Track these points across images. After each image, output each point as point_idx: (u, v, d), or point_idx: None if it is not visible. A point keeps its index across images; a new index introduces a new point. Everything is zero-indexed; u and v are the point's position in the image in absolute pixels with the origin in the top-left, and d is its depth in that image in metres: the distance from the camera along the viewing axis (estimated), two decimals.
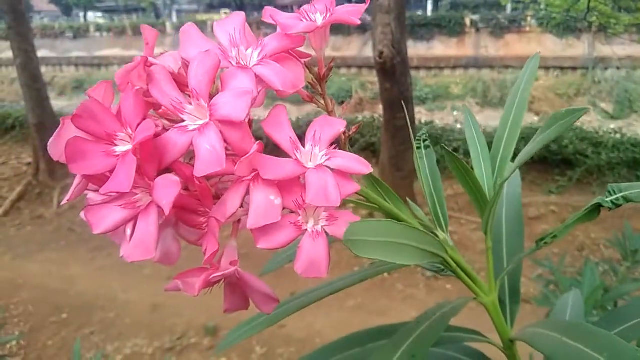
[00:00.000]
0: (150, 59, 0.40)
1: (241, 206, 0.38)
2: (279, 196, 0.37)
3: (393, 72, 3.80)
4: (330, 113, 0.47)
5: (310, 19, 0.44)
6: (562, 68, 10.04)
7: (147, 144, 0.35)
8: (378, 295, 3.37)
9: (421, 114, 8.87)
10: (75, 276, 3.87)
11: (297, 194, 0.38)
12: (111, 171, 0.35)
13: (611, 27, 5.34)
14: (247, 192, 0.38)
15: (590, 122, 7.32)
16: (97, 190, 0.38)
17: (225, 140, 0.36)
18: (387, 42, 3.68)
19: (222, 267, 0.39)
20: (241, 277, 0.39)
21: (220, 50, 0.40)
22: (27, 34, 5.62)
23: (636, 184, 0.49)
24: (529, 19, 11.01)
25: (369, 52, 8.90)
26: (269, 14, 0.44)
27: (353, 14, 0.44)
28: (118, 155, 0.35)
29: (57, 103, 7.37)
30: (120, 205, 0.36)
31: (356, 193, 0.43)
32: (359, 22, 0.43)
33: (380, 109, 4.88)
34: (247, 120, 0.36)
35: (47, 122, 5.52)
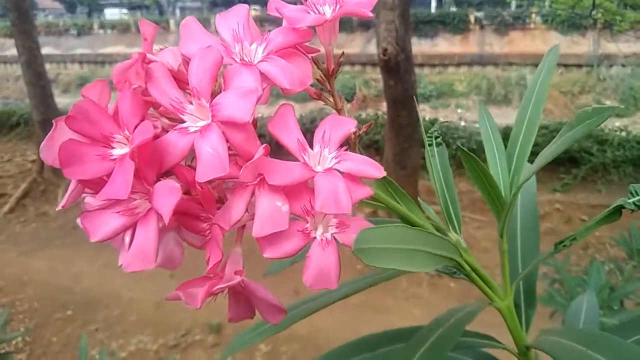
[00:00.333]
0: (148, 55, 0.38)
1: (246, 211, 0.36)
2: (286, 202, 0.34)
3: (397, 70, 3.76)
4: (339, 111, 0.44)
5: (319, 11, 0.41)
6: (566, 65, 9.93)
7: (146, 147, 0.32)
8: (381, 293, 3.35)
9: (425, 112, 8.83)
10: (80, 273, 3.87)
11: (305, 200, 0.35)
12: (108, 175, 0.33)
13: (616, 24, 5.28)
14: (252, 195, 0.35)
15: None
16: (94, 194, 0.35)
17: (228, 143, 0.33)
18: (391, 39, 3.64)
19: (227, 277, 0.37)
20: (246, 287, 0.37)
21: (222, 46, 0.37)
22: (31, 31, 5.62)
23: None
24: (533, 15, 10.92)
25: (372, 49, 8.84)
26: (275, 6, 0.41)
27: (364, 5, 0.40)
28: (115, 159, 0.33)
29: (62, 100, 7.38)
30: (118, 212, 0.34)
31: None
32: (371, 15, 0.40)
33: (383, 106, 4.84)
34: (251, 121, 0.34)
35: (52, 119, 5.44)
